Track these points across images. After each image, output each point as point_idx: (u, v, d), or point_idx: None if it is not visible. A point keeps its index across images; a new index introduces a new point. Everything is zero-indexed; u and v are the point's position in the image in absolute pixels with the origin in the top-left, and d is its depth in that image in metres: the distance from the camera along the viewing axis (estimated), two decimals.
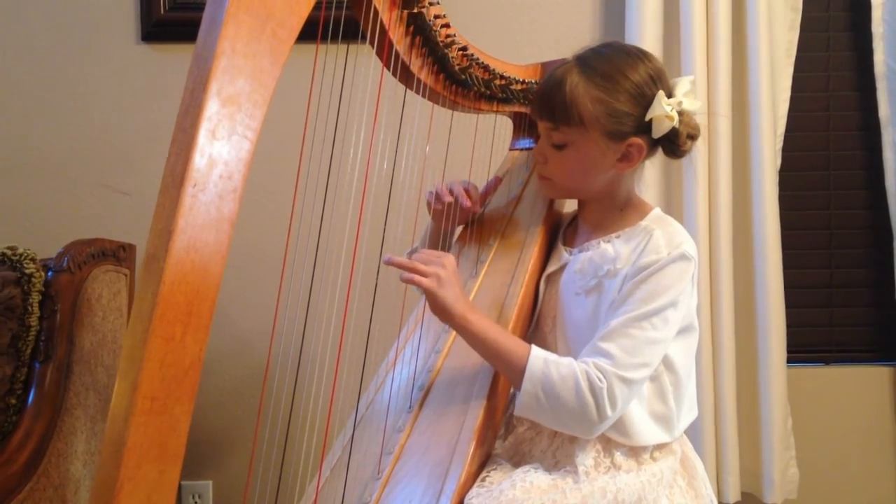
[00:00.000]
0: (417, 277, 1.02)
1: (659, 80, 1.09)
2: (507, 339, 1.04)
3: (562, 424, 1.03)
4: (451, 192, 1.28)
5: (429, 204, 1.31)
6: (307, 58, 0.85)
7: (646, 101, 1.07)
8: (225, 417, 2.02)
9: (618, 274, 1.07)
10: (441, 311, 1.03)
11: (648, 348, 1.02)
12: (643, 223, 1.12)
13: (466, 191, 1.28)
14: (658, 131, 1.08)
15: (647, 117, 1.07)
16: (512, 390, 1.13)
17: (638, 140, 1.08)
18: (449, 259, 1.05)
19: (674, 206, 1.94)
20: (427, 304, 1.05)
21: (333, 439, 1.13)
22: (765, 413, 1.90)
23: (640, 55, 1.11)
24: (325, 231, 0.97)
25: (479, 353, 1.05)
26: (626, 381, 0.99)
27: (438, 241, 1.32)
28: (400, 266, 1.04)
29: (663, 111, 1.06)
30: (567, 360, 1.01)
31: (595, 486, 1.00)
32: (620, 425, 1.04)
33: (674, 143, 1.10)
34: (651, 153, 1.13)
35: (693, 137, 1.11)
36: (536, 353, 1.02)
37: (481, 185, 1.40)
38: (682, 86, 1.09)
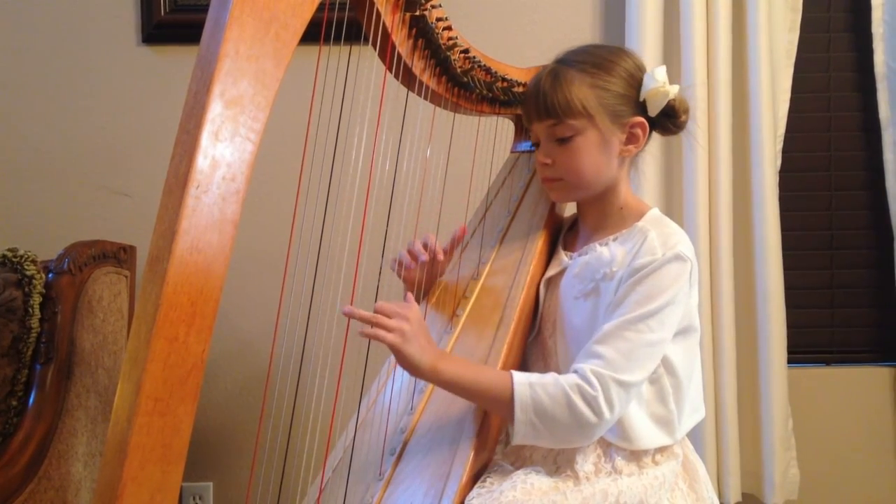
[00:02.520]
0: (381, 333, 0.97)
1: (643, 67, 1.15)
2: (485, 376, 1.01)
3: (562, 442, 1.02)
4: (410, 254, 1.24)
5: (399, 268, 1.26)
6: (310, 60, 0.85)
7: (636, 84, 1.12)
8: (226, 418, 2.02)
9: (614, 277, 1.07)
10: (409, 366, 0.99)
11: (645, 350, 1.01)
12: (639, 224, 1.11)
13: (425, 245, 1.24)
14: (655, 108, 1.12)
15: (642, 97, 1.11)
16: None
17: (639, 118, 1.12)
18: (413, 311, 1.00)
19: (674, 207, 1.94)
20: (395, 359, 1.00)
21: (335, 440, 1.13)
22: (765, 414, 1.90)
23: (620, 49, 1.17)
24: (328, 233, 0.97)
25: (461, 398, 1.02)
26: (623, 384, 0.99)
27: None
28: (361, 319, 0.97)
29: (657, 83, 1.10)
30: (551, 378, 1.00)
31: (596, 489, 1.00)
32: (620, 430, 1.04)
33: (672, 118, 1.14)
34: (649, 137, 1.15)
35: (686, 111, 1.16)
36: (519, 378, 0.99)
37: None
38: (660, 73, 1.12)
